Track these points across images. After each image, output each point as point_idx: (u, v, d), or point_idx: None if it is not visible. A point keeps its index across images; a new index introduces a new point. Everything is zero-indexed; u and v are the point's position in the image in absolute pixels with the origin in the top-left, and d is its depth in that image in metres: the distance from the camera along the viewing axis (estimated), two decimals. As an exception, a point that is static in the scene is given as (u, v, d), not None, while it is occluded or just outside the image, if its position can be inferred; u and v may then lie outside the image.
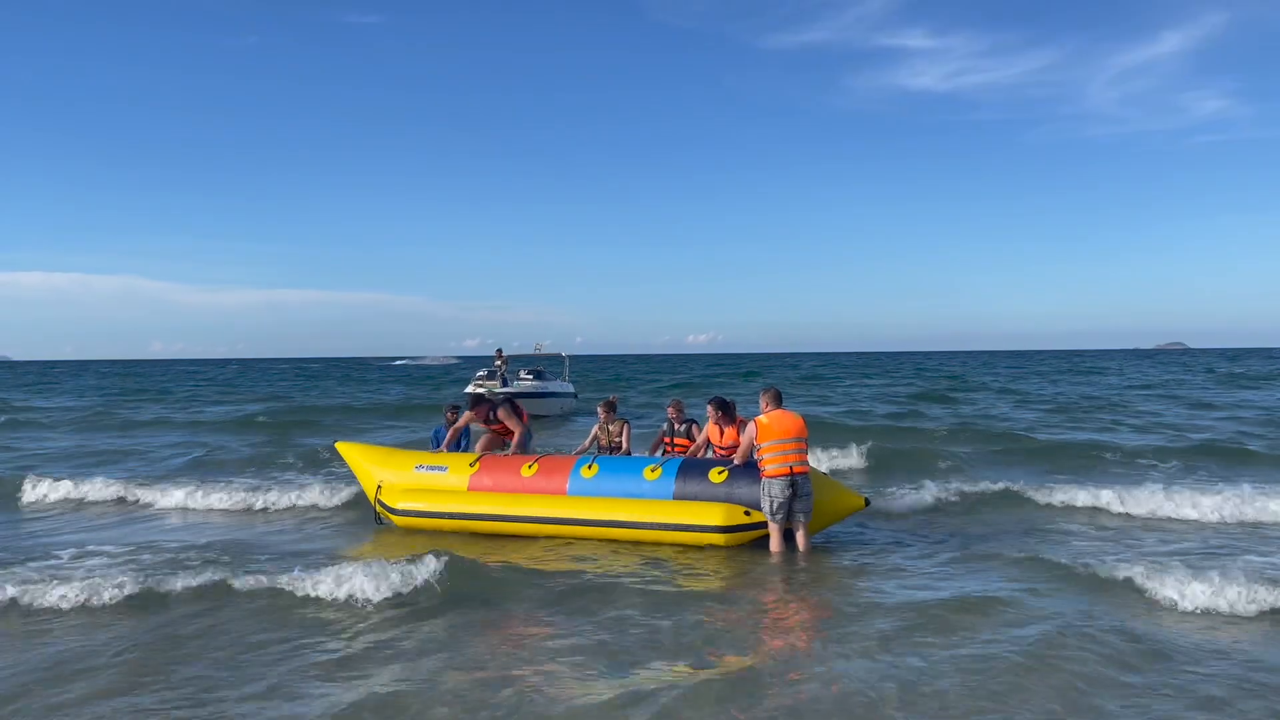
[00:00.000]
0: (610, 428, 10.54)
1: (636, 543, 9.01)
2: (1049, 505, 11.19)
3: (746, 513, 8.67)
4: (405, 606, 6.89)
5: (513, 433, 10.47)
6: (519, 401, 11.09)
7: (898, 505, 11.04)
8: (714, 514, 8.69)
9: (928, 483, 11.89)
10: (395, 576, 7.15)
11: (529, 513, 9.38)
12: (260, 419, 27.13)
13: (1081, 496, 11.22)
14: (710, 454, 9.80)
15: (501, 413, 10.48)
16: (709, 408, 9.84)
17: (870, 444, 15.70)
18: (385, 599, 6.97)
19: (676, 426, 10.31)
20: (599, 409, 10.74)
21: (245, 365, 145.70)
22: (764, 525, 8.62)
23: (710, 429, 9.83)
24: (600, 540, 9.16)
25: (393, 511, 10.01)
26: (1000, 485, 11.88)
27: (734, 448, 9.51)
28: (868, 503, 9.15)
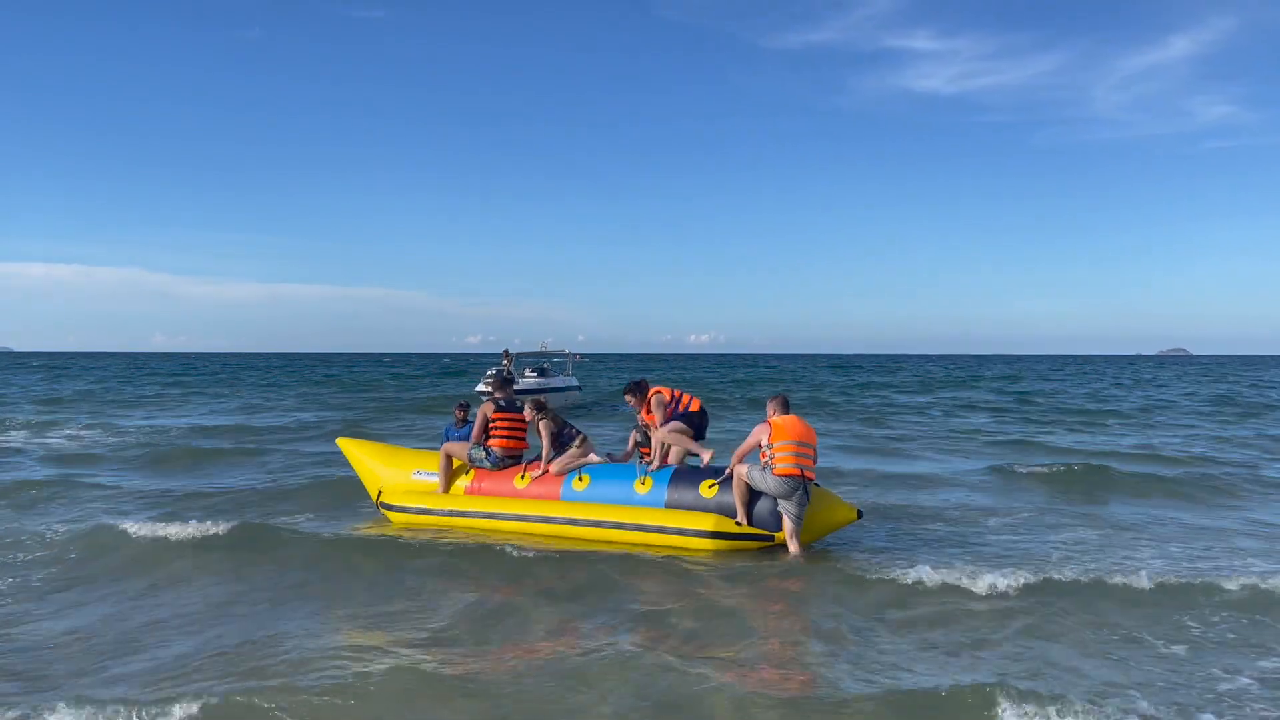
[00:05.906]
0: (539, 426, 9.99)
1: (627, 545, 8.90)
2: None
3: (739, 523, 8.70)
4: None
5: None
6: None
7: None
8: (705, 521, 8.69)
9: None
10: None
11: (523, 526, 9.53)
12: None
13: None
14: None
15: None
16: (650, 392, 9.75)
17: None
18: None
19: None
20: (526, 407, 10.23)
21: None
22: (757, 537, 8.65)
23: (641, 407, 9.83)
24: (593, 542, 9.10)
25: (391, 508, 10.32)
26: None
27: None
28: (860, 514, 9.07)
